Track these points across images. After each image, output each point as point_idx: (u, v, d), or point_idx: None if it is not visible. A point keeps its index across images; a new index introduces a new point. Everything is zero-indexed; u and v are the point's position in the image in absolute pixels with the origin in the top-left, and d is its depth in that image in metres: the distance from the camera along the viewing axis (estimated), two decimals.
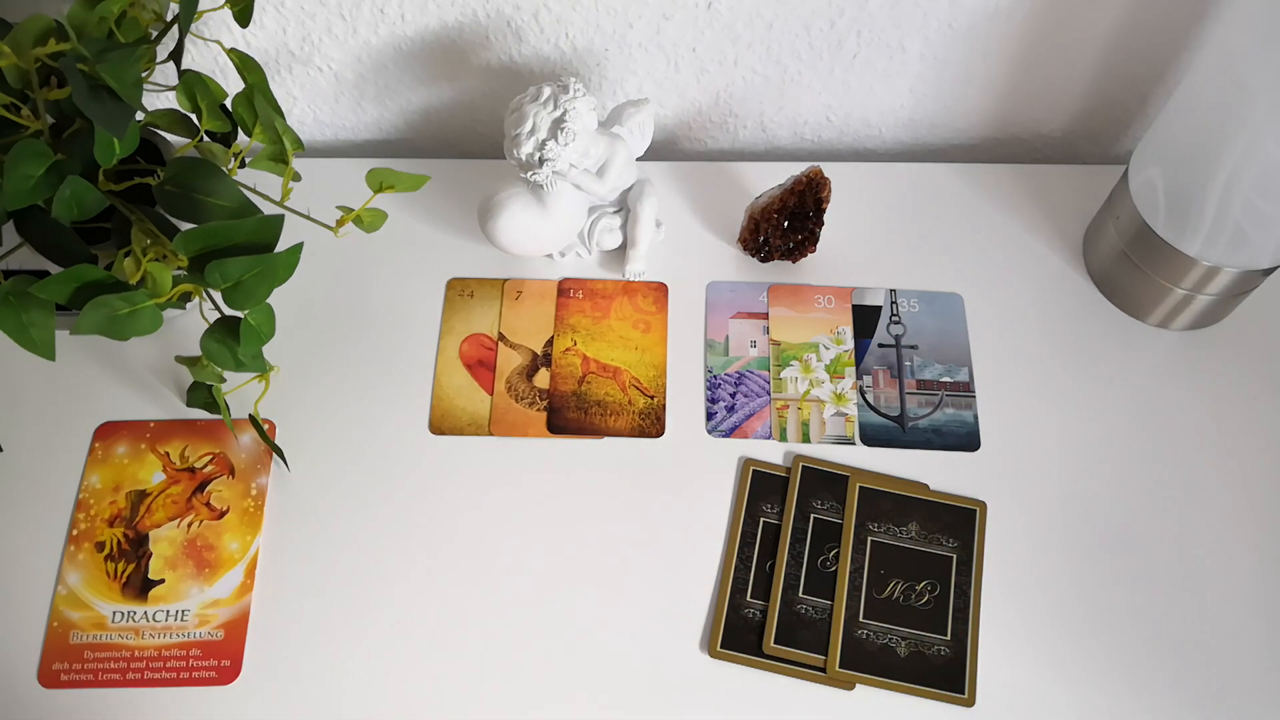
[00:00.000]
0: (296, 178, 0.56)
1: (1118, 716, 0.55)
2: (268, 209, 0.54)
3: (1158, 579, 0.58)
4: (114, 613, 0.56)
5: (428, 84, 0.71)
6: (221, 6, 0.56)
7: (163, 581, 0.57)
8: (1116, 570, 0.58)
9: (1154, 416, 0.63)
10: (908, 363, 0.65)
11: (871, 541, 0.59)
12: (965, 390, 0.64)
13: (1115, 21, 0.67)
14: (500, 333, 0.66)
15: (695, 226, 0.70)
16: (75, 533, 0.59)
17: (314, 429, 0.62)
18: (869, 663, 0.56)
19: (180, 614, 0.57)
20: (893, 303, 0.67)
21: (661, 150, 0.77)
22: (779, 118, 0.74)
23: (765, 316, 0.66)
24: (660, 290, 0.68)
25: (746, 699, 0.55)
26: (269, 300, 0.53)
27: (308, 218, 0.56)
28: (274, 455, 0.61)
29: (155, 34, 0.54)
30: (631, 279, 0.68)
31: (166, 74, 0.67)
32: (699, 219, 0.71)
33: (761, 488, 0.60)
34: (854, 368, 0.65)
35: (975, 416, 0.63)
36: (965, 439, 0.62)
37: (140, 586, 0.57)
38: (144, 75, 0.54)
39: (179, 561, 0.58)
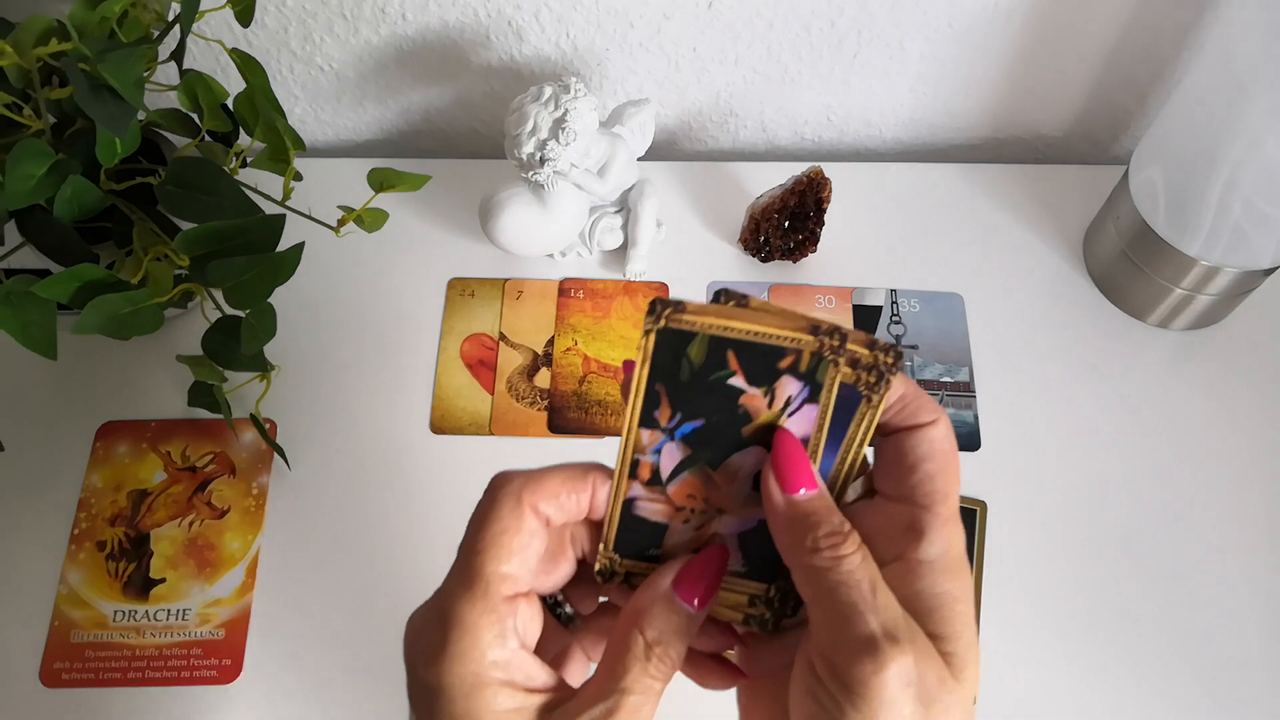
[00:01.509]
0: (298, 177, 0.56)
1: (1118, 716, 0.55)
2: (269, 209, 0.54)
3: (1158, 579, 0.58)
4: (115, 612, 0.57)
5: (429, 83, 0.71)
6: (223, 6, 0.56)
7: (164, 581, 0.57)
8: (1116, 570, 0.59)
9: (1154, 416, 0.63)
10: (908, 363, 0.65)
11: None
12: (965, 390, 0.64)
13: (1115, 21, 0.67)
14: (501, 332, 0.66)
15: (696, 226, 0.70)
16: (76, 532, 0.59)
17: (315, 428, 0.62)
18: None
19: (181, 613, 0.57)
20: (893, 303, 0.67)
21: (662, 150, 0.77)
22: (779, 117, 0.75)
23: None
24: (661, 290, 0.68)
25: None
26: (270, 300, 0.53)
27: (309, 217, 0.56)
28: (275, 454, 0.61)
29: (157, 33, 0.54)
30: (632, 279, 0.68)
31: (168, 73, 0.67)
32: (699, 219, 0.71)
33: None
34: None
35: (975, 416, 0.63)
36: (965, 439, 0.62)
37: (141, 586, 0.57)
38: (145, 75, 0.54)
39: (180, 561, 0.58)
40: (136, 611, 0.57)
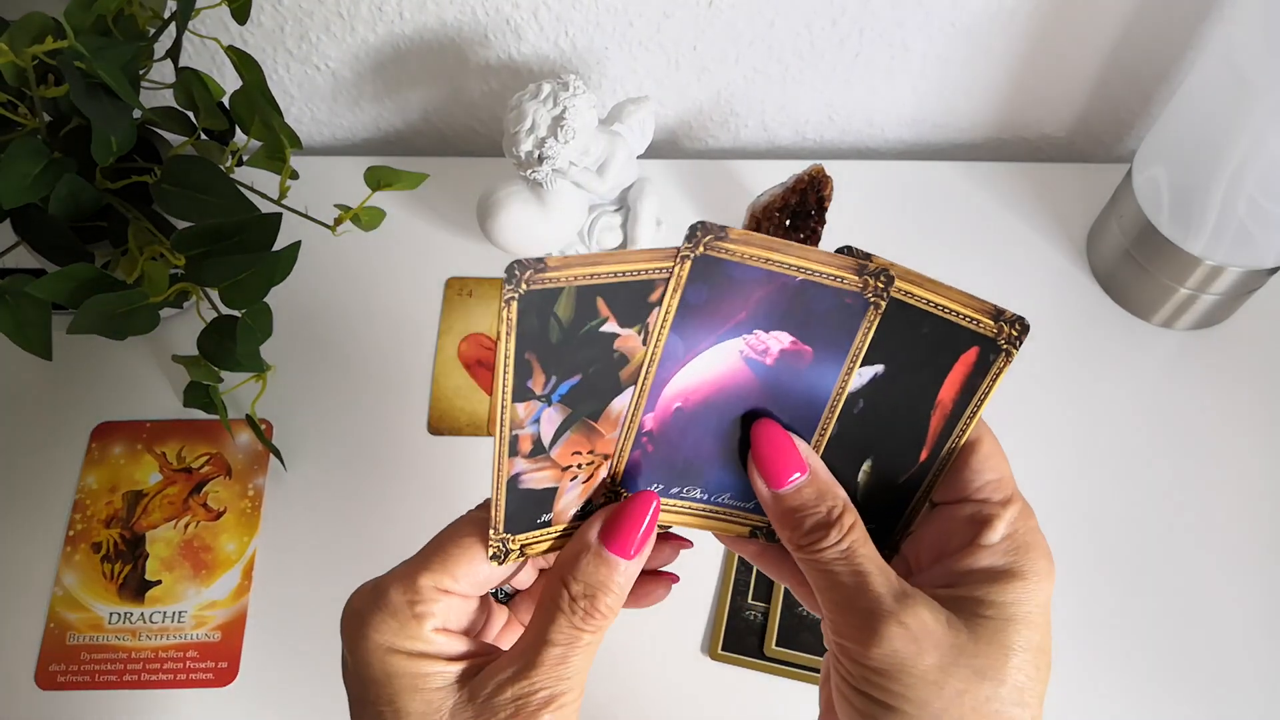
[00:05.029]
0: (294, 176, 0.55)
1: (1119, 717, 0.54)
2: (265, 207, 0.54)
3: (1160, 580, 0.58)
4: (111, 614, 0.56)
5: (426, 82, 0.71)
6: (219, 4, 0.55)
7: (159, 583, 0.57)
8: (1118, 570, 0.58)
9: (1157, 417, 0.63)
10: None
11: None
12: None
13: (1119, 20, 0.66)
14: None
15: None
16: (72, 534, 0.58)
17: (311, 429, 0.62)
18: None
19: (177, 615, 0.56)
20: None
21: (662, 148, 0.76)
22: (780, 117, 0.74)
23: None
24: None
25: (747, 701, 0.55)
26: (266, 299, 0.53)
27: (305, 216, 0.55)
28: (271, 455, 0.60)
29: (153, 31, 0.54)
30: None
31: (164, 71, 0.67)
32: (700, 217, 0.70)
33: None
34: None
35: None
36: None
37: (137, 588, 0.57)
38: (141, 73, 0.53)
39: (176, 562, 0.58)
40: (132, 614, 0.56)
